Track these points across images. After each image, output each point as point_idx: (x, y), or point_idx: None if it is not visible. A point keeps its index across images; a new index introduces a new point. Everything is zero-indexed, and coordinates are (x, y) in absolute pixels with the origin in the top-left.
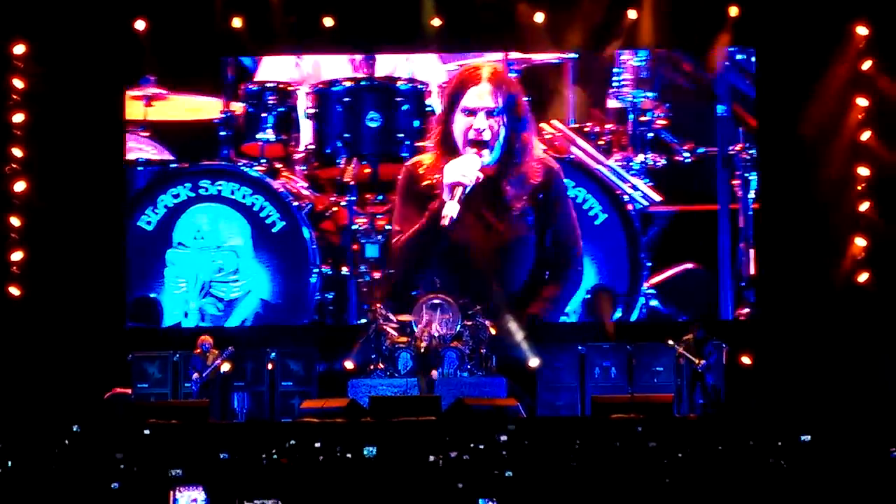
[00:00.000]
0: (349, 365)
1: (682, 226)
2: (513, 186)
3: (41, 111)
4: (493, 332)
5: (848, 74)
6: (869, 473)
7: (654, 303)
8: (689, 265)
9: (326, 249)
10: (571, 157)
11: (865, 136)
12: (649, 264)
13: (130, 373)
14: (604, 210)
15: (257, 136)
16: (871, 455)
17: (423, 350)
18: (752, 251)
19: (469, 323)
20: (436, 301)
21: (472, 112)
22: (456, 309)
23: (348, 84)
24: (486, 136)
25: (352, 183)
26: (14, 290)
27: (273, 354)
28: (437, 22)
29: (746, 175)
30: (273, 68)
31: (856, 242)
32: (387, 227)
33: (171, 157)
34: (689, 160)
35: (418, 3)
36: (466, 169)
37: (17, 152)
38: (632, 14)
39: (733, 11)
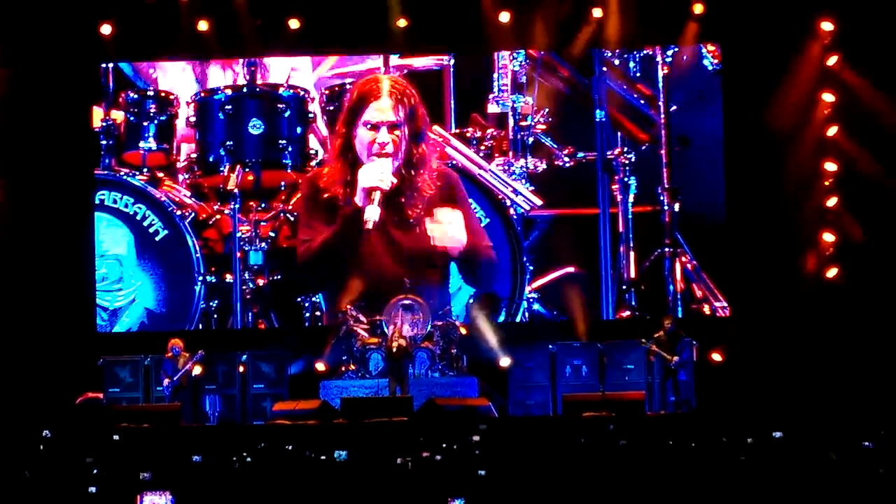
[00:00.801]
0: (320, 366)
1: (562, 230)
2: (408, 198)
3: (9, 116)
4: (463, 332)
5: (814, 70)
6: (841, 466)
7: (536, 306)
8: (571, 269)
9: (210, 258)
10: (454, 162)
11: (832, 131)
12: (531, 268)
13: (102, 377)
14: (486, 215)
15: (139, 144)
16: (844, 448)
17: (394, 351)
18: (632, 254)
19: (439, 323)
20: (406, 302)
21: (374, 126)
22: (426, 309)
23: (230, 92)
24: (390, 149)
25: (235, 191)
26: None
27: (244, 357)
28: (402, 23)
29: (626, 179)
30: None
31: (824, 238)
32: (271, 234)
33: None
34: (569, 164)
35: (384, 4)
36: (382, 173)
37: None
38: (597, 12)
39: (698, 8)
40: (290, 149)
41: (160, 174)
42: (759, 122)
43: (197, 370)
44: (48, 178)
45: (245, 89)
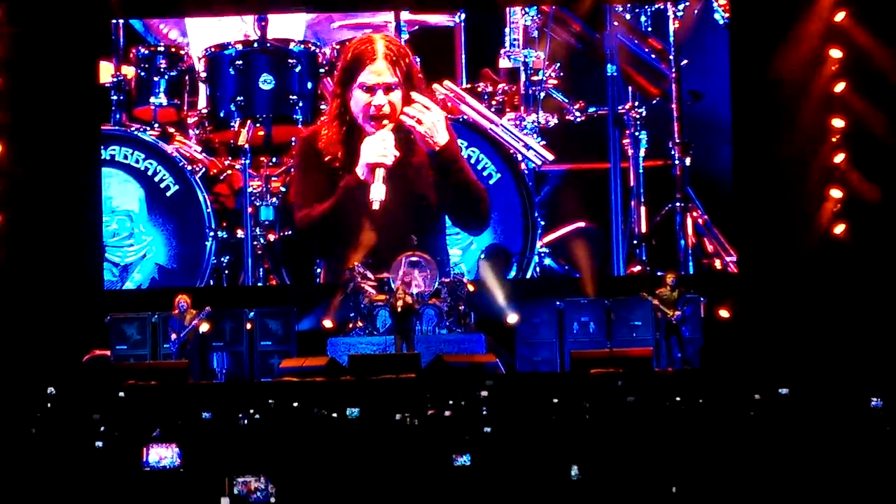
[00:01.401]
0: (328, 324)
1: (574, 184)
2: (407, 154)
3: (17, 74)
4: (470, 288)
5: (821, 25)
6: (849, 424)
7: (547, 261)
8: (582, 223)
9: (221, 213)
10: (464, 117)
11: (839, 87)
12: (542, 223)
13: (109, 335)
14: (498, 170)
15: (150, 100)
16: (852, 405)
17: (400, 308)
18: (643, 209)
19: (447, 280)
20: (413, 258)
21: (370, 89)
22: (434, 266)
23: (241, 47)
24: (386, 110)
25: (246, 146)
26: None
27: (252, 314)
28: None
29: (637, 133)
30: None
31: (831, 194)
32: (282, 189)
33: None
34: (581, 119)
35: None
36: (385, 148)
37: None
38: None
39: None
40: (300, 104)
41: (171, 129)
42: (766, 76)
43: (204, 327)
44: (55, 134)
45: (256, 44)
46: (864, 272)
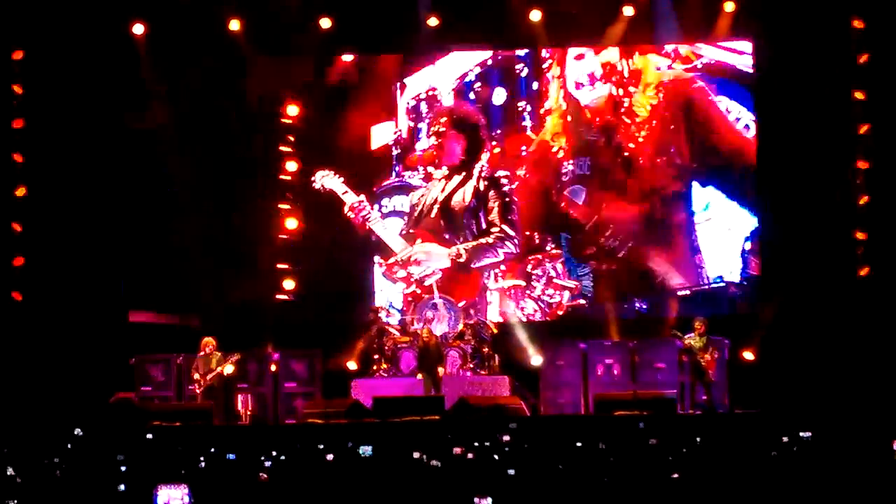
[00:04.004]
0: (352, 365)
1: None
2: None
3: (40, 117)
4: (494, 331)
5: (845, 68)
6: (872, 466)
7: None
8: None
9: None
10: None
11: (864, 129)
12: None
13: (134, 376)
14: None
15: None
16: (874, 448)
17: (424, 349)
18: None
19: (470, 322)
20: (437, 300)
21: None
22: (457, 308)
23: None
24: None
25: None
26: (16, 295)
27: (276, 356)
28: (434, 21)
29: None
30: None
31: (856, 236)
32: None
33: None
34: None
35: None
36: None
37: (18, 158)
38: (628, 10)
39: (729, 7)
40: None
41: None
42: (791, 120)
43: (229, 369)
44: (79, 176)
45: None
46: (888, 314)
